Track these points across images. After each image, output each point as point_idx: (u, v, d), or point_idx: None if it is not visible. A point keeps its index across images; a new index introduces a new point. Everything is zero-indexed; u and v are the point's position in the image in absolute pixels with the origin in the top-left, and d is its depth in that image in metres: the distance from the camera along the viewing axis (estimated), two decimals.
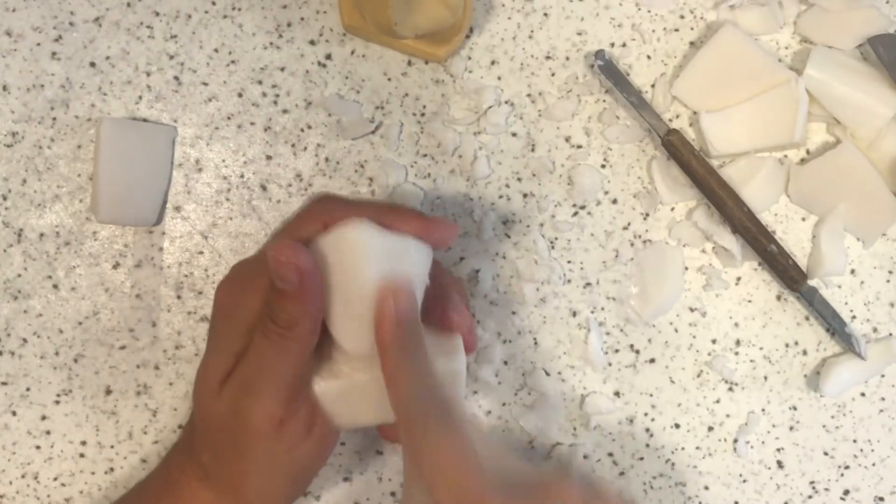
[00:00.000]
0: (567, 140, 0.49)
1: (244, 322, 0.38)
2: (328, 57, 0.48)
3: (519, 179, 0.49)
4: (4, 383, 0.48)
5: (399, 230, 0.38)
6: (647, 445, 0.49)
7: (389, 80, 0.48)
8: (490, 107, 0.48)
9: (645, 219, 0.49)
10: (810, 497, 0.49)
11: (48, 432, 0.48)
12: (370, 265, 0.36)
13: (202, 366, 0.39)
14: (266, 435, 0.37)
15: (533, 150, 0.49)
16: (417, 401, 0.34)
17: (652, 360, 0.49)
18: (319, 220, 0.38)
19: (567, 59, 0.49)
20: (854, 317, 0.49)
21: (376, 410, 0.39)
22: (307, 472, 0.40)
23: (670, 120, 0.49)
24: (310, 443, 0.39)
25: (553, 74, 0.49)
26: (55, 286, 0.48)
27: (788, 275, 0.47)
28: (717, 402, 0.49)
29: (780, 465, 0.49)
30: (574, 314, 0.48)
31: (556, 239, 0.49)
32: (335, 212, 0.38)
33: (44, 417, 0.48)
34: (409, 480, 0.34)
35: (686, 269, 0.49)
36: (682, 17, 0.49)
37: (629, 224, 0.49)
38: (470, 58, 0.49)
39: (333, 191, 0.48)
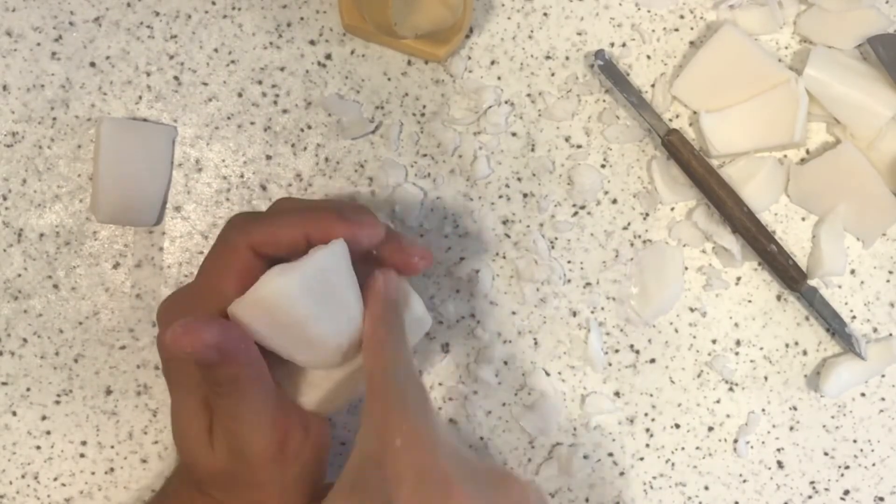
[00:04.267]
0: (567, 140, 0.49)
1: (197, 374, 0.37)
2: (328, 57, 0.48)
3: (519, 179, 0.49)
4: (4, 383, 0.48)
5: (326, 241, 0.37)
6: (647, 445, 0.49)
7: (389, 80, 0.48)
8: (490, 107, 0.48)
9: (645, 219, 0.49)
10: (810, 497, 0.49)
11: (48, 432, 0.48)
12: (301, 309, 0.35)
13: (179, 421, 0.39)
14: (272, 461, 0.37)
15: (533, 150, 0.49)
16: (398, 376, 0.34)
17: (652, 361, 0.49)
18: (242, 253, 0.37)
19: (567, 59, 0.49)
20: (854, 317, 0.49)
21: (349, 393, 0.40)
22: (320, 468, 0.41)
23: (670, 120, 0.49)
24: (310, 445, 0.39)
25: (553, 74, 0.49)
26: (55, 286, 0.48)
27: (788, 275, 0.47)
28: (718, 402, 0.49)
29: (780, 465, 0.49)
30: (574, 314, 0.48)
31: (556, 239, 0.49)
32: (257, 236, 0.37)
33: (44, 417, 0.48)
34: (364, 451, 0.34)
35: (686, 269, 0.49)
36: (682, 17, 0.49)
37: (629, 224, 0.49)
38: (470, 58, 0.49)
39: (333, 191, 0.48)
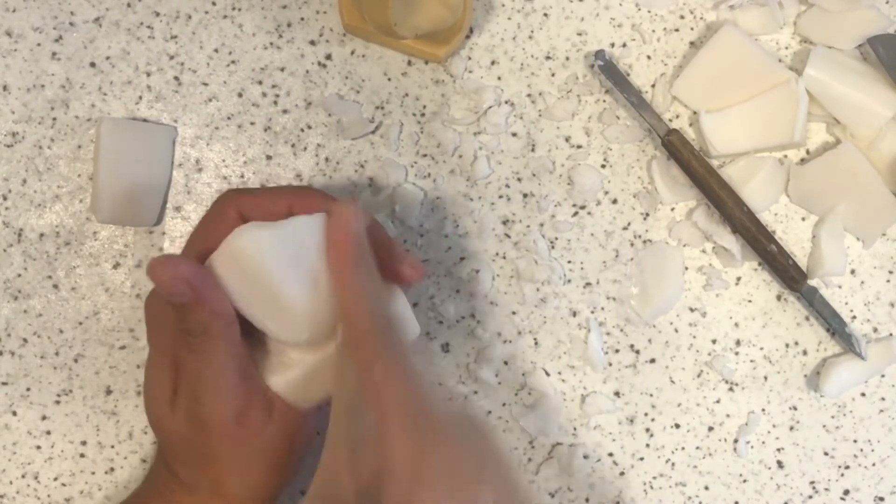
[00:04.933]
0: (567, 140, 0.49)
1: (172, 332, 0.38)
2: (328, 57, 0.48)
3: (519, 179, 0.49)
4: (5, 383, 0.48)
5: (305, 211, 0.38)
6: (647, 445, 0.49)
7: (389, 80, 0.49)
8: (490, 107, 0.48)
9: (645, 219, 0.49)
10: (810, 497, 0.49)
11: (48, 432, 0.48)
12: (272, 264, 0.35)
13: (147, 385, 0.39)
14: (229, 434, 0.37)
15: (533, 150, 0.49)
16: (375, 316, 0.34)
17: (652, 360, 0.49)
18: (230, 217, 0.39)
19: (567, 59, 0.49)
20: (854, 317, 0.49)
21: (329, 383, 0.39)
22: (283, 455, 0.40)
23: (670, 120, 0.49)
24: (273, 426, 0.38)
25: (553, 74, 0.49)
26: (55, 286, 0.48)
27: (788, 275, 0.47)
28: (718, 402, 0.49)
29: (780, 465, 0.49)
30: (574, 314, 0.48)
31: (556, 239, 0.49)
32: (245, 201, 0.39)
33: (44, 417, 0.48)
34: (341, 393, 0.34)
35: (686, 269, 0.49)
36: (682, 17, 0.49)
37: (629, 224, 0.49)
38: (470, 58, 0.49)
39: (333, 192, 0.48)
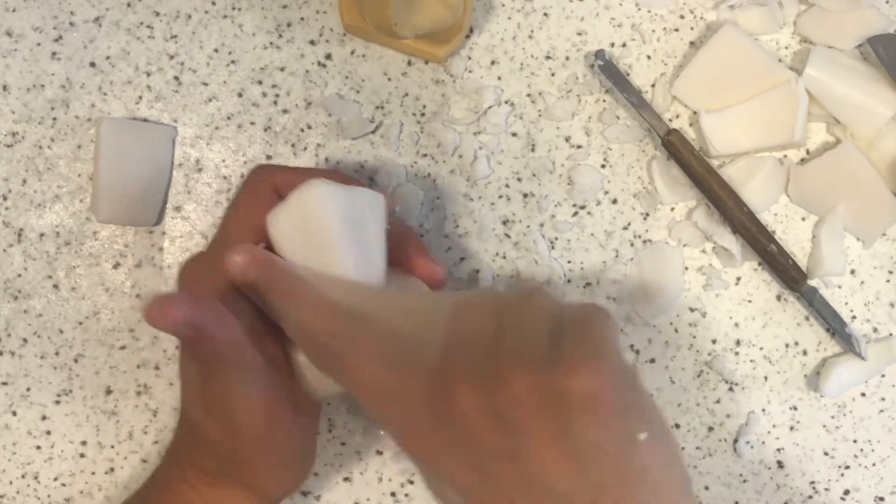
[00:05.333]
0: (567, 140, 0.49)
1: None
2: (328, 57, 0.48)
3: (519, 179, 0.49)
4: (5, 383, 0.48)
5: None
6: None
7: (389, 80, 0.49)
8: (490, 107, 0.48)
9: (645, 219, 0.49)
10: (810, 497, 0.49)
11: (48, 432, 0.48)
12: (338, 221, 0.35)
13: (181, 384, 0.39)
14: (259, 441, 0.37)
15: (533, 150, 0.49)
16: (307, 348, 0.35)
17: (652, 360, 0.49)
18: (268, 189, 0.39)
19: (567, 59, 0.49)
20: (854, 317, 0.49)
21: None
22: (309, 449, 0.41)
23: (670, 120, 0.49)
24: (300, 427, 0.39)
25: (553, 74, 0.49)
26: (55, 286, 0.48)
27: (788, 275, 0.47)
28: (718, 402, 0.49)
29: (780, 465, 0.49)
30: None
31: (556, 239, 0.49)
32: (280, 177, 0.39)
33: (44, 417, 0.48)
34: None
35: (686, 269, 0.49)
36: (682, 17, 0.49)
37: (629, 224, 0.49)
38: (470, 58, 0.49)
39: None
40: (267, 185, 0.39)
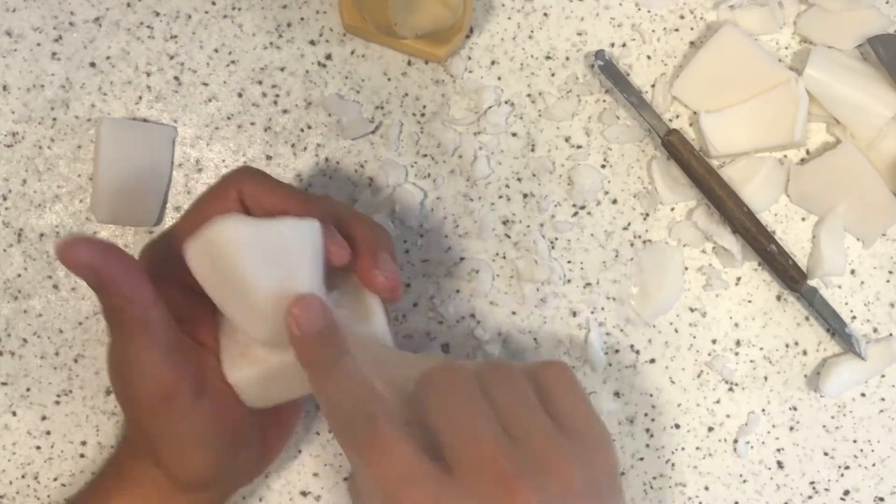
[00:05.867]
0: (567, 140, 0.49)
1: None
2: (328, 57, 0.48)
3: (519, 179, 0.49)
4: (4, 383, 0.48)
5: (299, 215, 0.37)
6: (647, 445, 0.49)
7: (389, 80, 0.49)
8: (490, 107, 0.48)
9: (645, 219, 0.49)
10: (810, 497, 0.49)
11: (48, 432, 0.48)
12: (247, 261, 0.34)
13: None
14: (155, 412, 0.37)
15: (533, 150, 0.49)
16: (343, 415, 0.33)
17: (652, 361, 0.49)
18: (231, 198, 0.38)
19: (567, 59, 0.49)
20: (854, 317, 0.49)
21: (293, 387, 0.38)
22: (216, 439, 0.38)
23: (670, 120, 0.49)
24: (202, 409, 0.37)
25: (553, 74, 0.49)
26: (55, 286, 0.48)
27: (788, 275, 0.47)
28: (717, 402, 0.49)
29: (780, 465, 0.49)
30: (574, 314, 0.48)
31: (556, 239, 0.49)
32: (248, 188, 0.38)
33: (44, 418, 0.48)
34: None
35: (686, 269, 0.49)
36: (682, 17, 0.49)
37: (629, 224, 0.49)
38: (470, 58, 0.49)
39: (333, 192, 0.48)
40: (233, 191, 0.38)
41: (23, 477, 0.48)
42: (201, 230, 0.35)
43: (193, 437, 0.38)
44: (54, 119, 0.48)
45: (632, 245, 0.49)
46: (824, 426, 0.49)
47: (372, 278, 0.38)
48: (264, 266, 0.35)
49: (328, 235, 0.37)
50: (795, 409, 0.49)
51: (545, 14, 0.49)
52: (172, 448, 0.38)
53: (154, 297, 0.36)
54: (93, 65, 0.48)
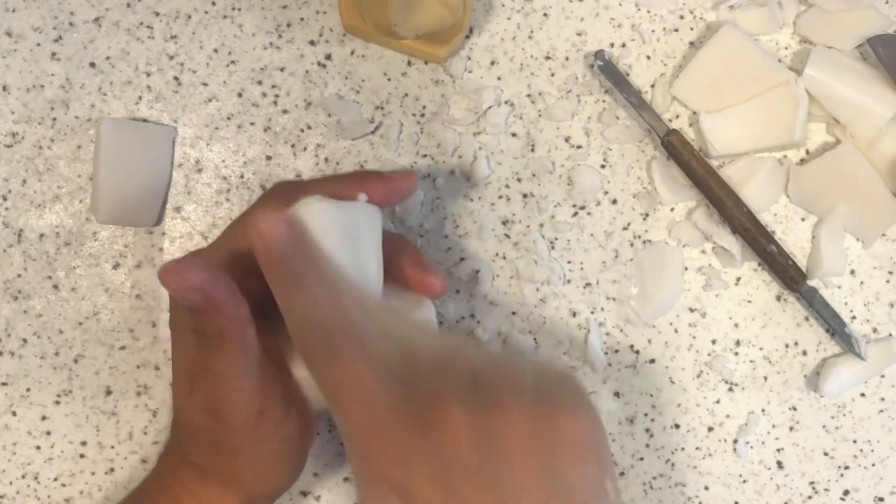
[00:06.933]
0: (567, 140, 0.49)
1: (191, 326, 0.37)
2: (328, 57, 0.48)
3: (519, 179, 0.49)
4: (4, 384, 0.48)
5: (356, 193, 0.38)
6: (647, 445, 0.49)
7: (389, 80, 0.49)
8: (490, 107, 0.48)
9: (645, 219, 0.49)
10: (810, 497, 0.49)
11: (48, 433, 0.48)
12: (330, 242, 0.35)
13: (173, 362, 0.39)
14: (248, 430, 0.37)
15: (533, 150, 0.49)
16: (303, 332, 0.34)
17: (652, 361, 0.49)
18: (283, 205, 0.37)
19: (567, 59, 0.49)
20: (854, 317, 0.49)
21: None
22: (299, 449, 0.40)
23: (670, 120, 0.49)
24: (291, 422, 0.38)
25: (553, 75, 0.49)
26: (55, 286, 0.48)
27: (788, 275, 0.47)
28: (717, 402, 0.49)
29: (780, 465, 0.49)
30: (574, 314, 0.49)
31: (556, 239, 0.49)
32: (297, 193, 0.38)
33: (44, 418, 0.48)
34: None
35: (686, 269, 0.49)
36: (681, 17, 0.49)
37: (629, 224, 0.49)
38: (470, 58, 0.49)
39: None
40: (282, 203, 0.37)
41: (23, 477, 0.48)
42: (283, 212, 0.35)
43: (283, 450, 0.39)
44: (54, 119, 0.48)
45: (632, 245, 0.49)
46: (824, 426, 0.49)
47: (428, 284, 0.40)
48: (343, 247, 0.35)
49: (420, 265, 0.40)
50: (795, 409, 0.49)
51: (545, 14, 0.49)
52: (260, 464, 0.38)
53: (249, 315, 0.36)
54: (93, 65, 0.48)
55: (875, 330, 0.49)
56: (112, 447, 0.48)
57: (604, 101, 0.49)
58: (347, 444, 0.33)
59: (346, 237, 0.36)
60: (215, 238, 0.40)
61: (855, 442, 0.49)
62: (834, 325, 0.48)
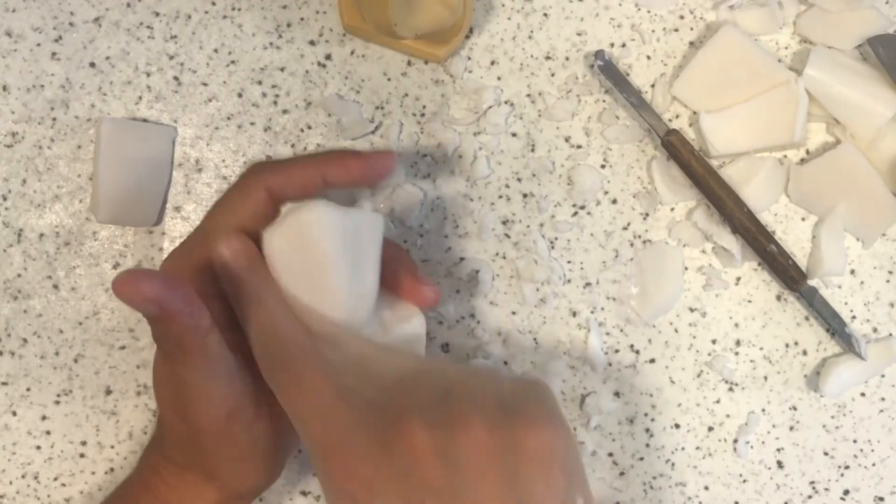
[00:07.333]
0: (567, 140, 0.49)
1: None
2: (328, 57, 0.48)
3: (519, 179, 0.49)
4: (4, 383, 0.48)
5: (343, 179, 0.38)
6: (647, 445, 0.49)
7: (389, 80, 0.49)
8: (490, 107, 0.48)
9: (645, 219, 0.49)
10: (810, 497, 0.49)
11: (48, 432, 0.48)
12: (333, 246, 0.35)
13: (154, 366, 0.39)
14: (214, 432, 0.37)
15: (533, 150, 0.49)
16: (263, 350, 0.35)
17: (652, 361, 0.49)
18: (258, 196, 0.38)
19: (567, 59, 0.49)
20: (854, 317, 0.49)
21: None
22: (273, 447, 0.40)
23: (670, 120, 0.49)
24: (262, 423, 0.38)
25: (553, 74, 0.49)
26: (55, 286, 0.48)
27: (788, 275, 0.47)
28: (717, 402, 0.49)
29: (780, 465, 0.49)
30: (574, 314, 0.48)
31: (556, 239, 0.49)
32: (274, 180, 0.38)
33: (44, 417, 0.48)
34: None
35: (686, 269, 0.49)
36: (681, 17, 0.49)
37: (629, 224, 0.49)
38: (470, 58, 0.49)
39: (333, 191, 0.48)
40: (258, 190, 0.38)
41: (23, 477, 0.48)
42: (287, 215, 0.36)
43: (255, 450, 0.39)
44: (54, 119, 0.48)
45: (632, 245, 0.49)
46: (824, 426, 0.49)
47: (420, 294, 0.40)
48: (346, 252, 0.36)
49: (414, 274, 0.40)
50: (795, 408, 0.49)
51: (545, 14, 0.49)
52: (233, 463, 0.38)
53: (211, 321, 0.36)
54: (93, 65, 0.48)
55: (875, 330, 0.49)
56: (112, 447, 0.48)
57: (604, 101, 0.49)
58: (314, 463, 0.33)
59: (348, 243, 0.36)
60: (190, 233, 0.40)
61: (855, 442, 0.49)
62: (834, 325, 0.48)
